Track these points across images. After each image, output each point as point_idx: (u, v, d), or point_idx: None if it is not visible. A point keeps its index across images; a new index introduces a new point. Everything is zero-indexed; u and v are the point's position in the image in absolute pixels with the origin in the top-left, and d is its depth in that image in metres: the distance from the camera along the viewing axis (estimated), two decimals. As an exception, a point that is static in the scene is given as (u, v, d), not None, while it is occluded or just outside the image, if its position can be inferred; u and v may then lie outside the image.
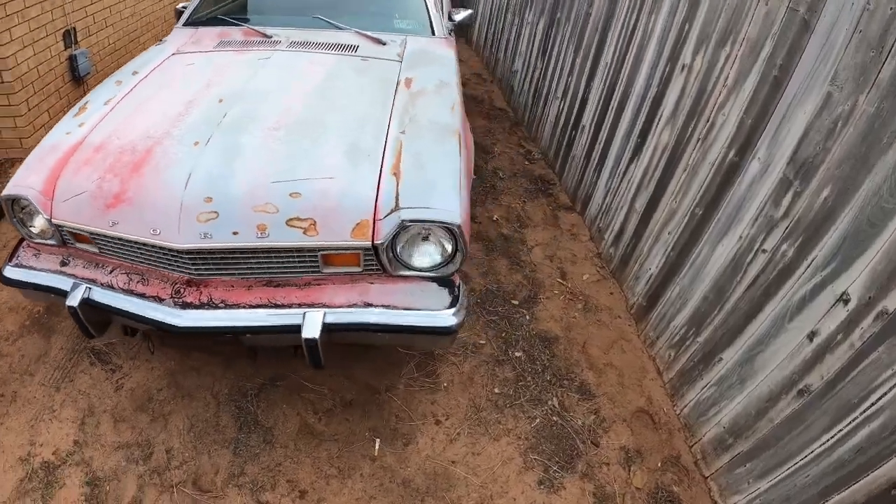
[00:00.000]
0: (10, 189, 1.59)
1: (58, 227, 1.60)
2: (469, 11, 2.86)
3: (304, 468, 1.70)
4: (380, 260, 1.53)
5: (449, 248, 1.57)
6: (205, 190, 1.50)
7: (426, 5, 2.73)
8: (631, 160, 2.54)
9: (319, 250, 1.51)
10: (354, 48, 2.35)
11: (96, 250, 1.64)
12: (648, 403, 1.98)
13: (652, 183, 2.34)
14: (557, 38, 3.47)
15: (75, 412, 1.82)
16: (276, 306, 1.56)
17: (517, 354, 2.14)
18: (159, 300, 1.57)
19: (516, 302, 2.40)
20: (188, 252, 1.47)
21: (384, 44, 2.42)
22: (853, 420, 1.24)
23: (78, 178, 1.59)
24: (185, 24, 2.62)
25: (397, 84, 2.07)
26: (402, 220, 1.45)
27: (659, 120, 2.35)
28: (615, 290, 2.52)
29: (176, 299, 1.57)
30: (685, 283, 2.05)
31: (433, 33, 2.63)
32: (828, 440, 1.31)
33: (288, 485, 1.65)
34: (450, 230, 1.49)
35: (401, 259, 1.55)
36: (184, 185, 1.50)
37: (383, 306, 1.57)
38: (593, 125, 2.95)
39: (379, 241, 1.47)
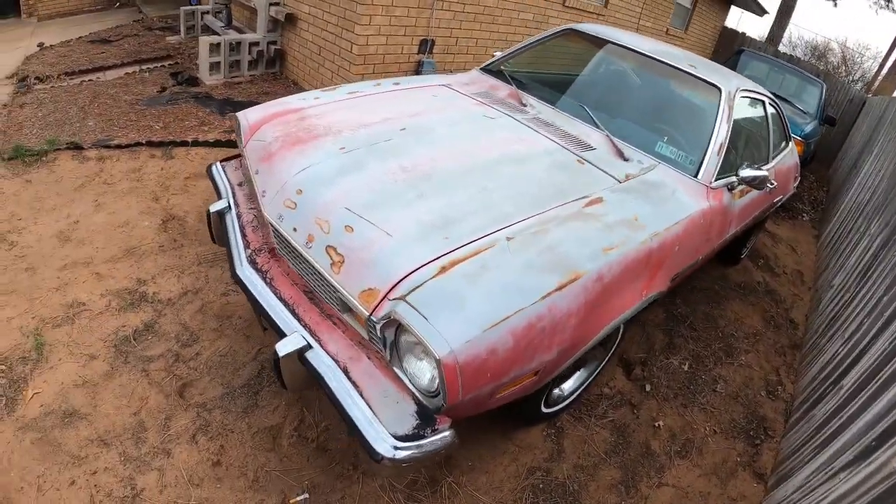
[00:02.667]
0: (238, 113, 2.25)
1: (244, 155, 2.12)
2: (760, 173, 2.39)
3: (237, 452, 1.90)
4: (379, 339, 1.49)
5: (435, 380, 1.42)
6: (304, 183, 1.77)
7: (709, 143, 2.46)
8: (849, 465, 1.87)
9: (335, 291, 1.57)
10: (587, 148, 2.32)
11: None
12: None
13: (842, 512, 1.69)
14: (883, 262, 2.77)
15: (189, 284, 2.57)
16: (291, 311, 1.71)
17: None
18: (247, 246, 1.92)
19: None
20: (269, 222, 1.77)
21: (626, 160, 2.32)
22: None
23: (270, 130, 2.08)
24: (482, 69, 3.08)
25: (582, 197, 1.94)
26: (393, 311, 1.40)
27: (910, 433, 1.69)
28: None
29: (253, 254, 1.89)
30: None
31: (696, 175, 2.37)
32: None
33: (219, 450, 1.89)
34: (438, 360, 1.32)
35: (398, 354, 1.49)
36: (298, 171, 1.82)
37: (353, 383, 1.52)
38: (850, 391, 2.25)
39: (374, 318, 1.44)
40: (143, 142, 3.61)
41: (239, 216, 2.07)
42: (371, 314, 1.44)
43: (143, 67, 4.75)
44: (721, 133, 2.50)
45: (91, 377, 2.07)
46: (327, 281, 1.59)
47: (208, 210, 2.10)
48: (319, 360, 1.56)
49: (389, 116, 2.21)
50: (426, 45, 4.68)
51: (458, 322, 1.36)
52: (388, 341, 1.47)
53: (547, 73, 3.19)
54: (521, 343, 1.45)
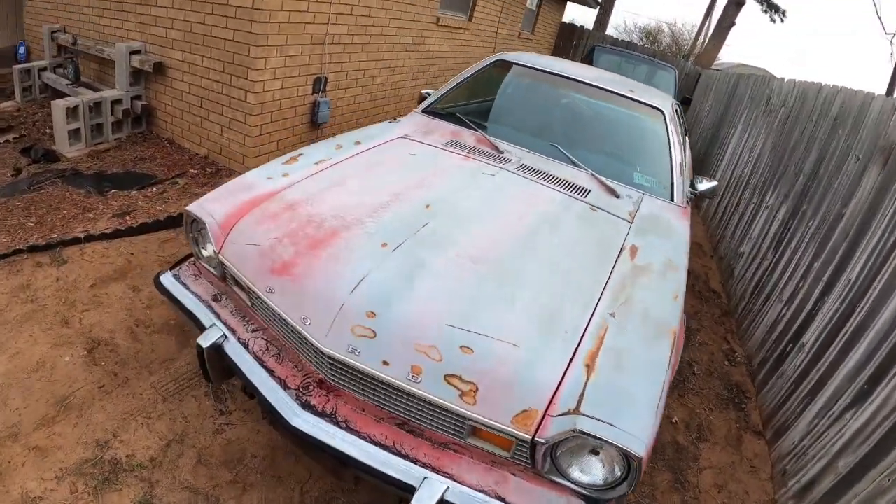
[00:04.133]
0: (195, 208, 1.84)
1: (222, 263, 1.77)
2: (715, 183, 2.85)
3: None
4: (533, 456, 1.43)
5: (618, 473, 1.42)
6: (372, 302, 1.53)
7: (671, 166, 2.73)
8: (850, 407, 2.35)
9: (469, 420, 1.45)
10: (585, 192, 2.39)
11: (249, 302, 1.75)
12: None
13: (867, 445, 2.13)
14: (798, 232, 3.44)
15: (167, 431, 2.06)
16: (399, 454, 1.53)
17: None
18: (285, 386, 1.62)
19: (658, 535, 2.31)
20: (330, 357, 1.50)
21: (618, 196, 2.44)
22: None
23: (257, 228, 1.78)
24: (424, 111, 3.01)
25: (621, 250, 2.02)
26: (577, 429, 1.34)
27: (899, 372, 2.17)
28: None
29: (301, 395, 1.60)
30: None
31: (672, 198, 2.62)
32: None
33: None
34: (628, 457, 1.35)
35: (557, 464, 1.45)
36: (353, 286, 1.55)
37: None
38: (816, 347, 2.80)
39: (541, 439, 1.37)
40: (23, 248, 2.99)
41: (245, 345, 1.74)
42: (535, 436, 1.38)
43: (-17, 148, 3.93)
44: (677, 153, 2.82)
45: None
46: (454, 412, 1.44)
47: (198, 345, 1.70)
48: (467, 499, 1.46)
49: (397, 192, 2.03)
50: (320, 84, 4.58)
51: (637, 417, 1.39)
52: (547, 456, 1.43)
53: (495, 109, 3.22)
54: (661, 410, 1.50)
